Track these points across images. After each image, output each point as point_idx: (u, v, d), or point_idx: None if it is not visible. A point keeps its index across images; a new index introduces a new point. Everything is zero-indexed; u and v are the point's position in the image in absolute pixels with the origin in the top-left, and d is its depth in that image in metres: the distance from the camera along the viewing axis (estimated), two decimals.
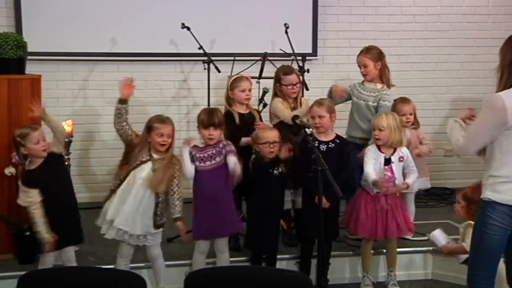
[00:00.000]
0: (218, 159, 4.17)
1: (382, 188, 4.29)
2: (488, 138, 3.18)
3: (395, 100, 4.96)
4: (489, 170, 3.22)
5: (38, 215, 3.92)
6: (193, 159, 4.14)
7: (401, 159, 4.41)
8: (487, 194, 3.21)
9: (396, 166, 4.39)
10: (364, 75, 4.94)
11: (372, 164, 4.36)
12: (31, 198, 3.93)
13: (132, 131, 4.11)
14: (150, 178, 3.98)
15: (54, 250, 3.97)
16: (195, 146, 4.20)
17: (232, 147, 4.20)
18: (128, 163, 4.05)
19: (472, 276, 3.34)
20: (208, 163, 4.15)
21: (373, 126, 4.41)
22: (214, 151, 4.17)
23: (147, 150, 4.03)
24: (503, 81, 3.16)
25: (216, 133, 4.15)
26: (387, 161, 4.37)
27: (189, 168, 4.11)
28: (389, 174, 4.37)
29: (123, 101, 4.13)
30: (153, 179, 3.98)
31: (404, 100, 4.93)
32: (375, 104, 4.84)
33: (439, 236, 3.92)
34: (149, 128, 4.03)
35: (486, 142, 3.21)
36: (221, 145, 4.18)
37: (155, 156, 4.03)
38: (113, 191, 4.04)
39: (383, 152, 4.39)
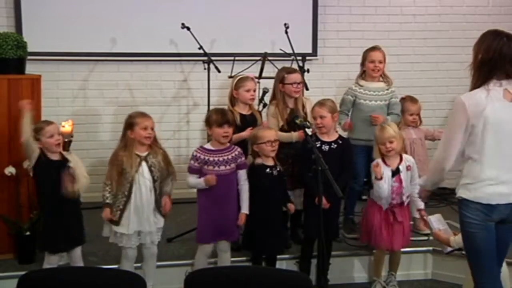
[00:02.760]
0: (233, 165, 4.17)
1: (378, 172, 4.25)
2: (459, 143, 3.19)
3: (403, 98, 4.99)
4: (462, 171, 3.29)
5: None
6: (204, 164, 4.12)
7: (409, 167, 4.36)
8: (460, 193, 3.27)
9: (404, 175, 4.33)
10: (376, 71, 4.90)
11: (386, 182, 4.30)
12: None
13: None
14: (154, 176, 4.04)
15: None
16: (204, 149, 4.18)
17: (244, 159, 4.24)
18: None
19: (474, 274, 3.35)
20: (223, 167, 4.14)
21: (382, 139, 4.29)
22: (230, 157, 4.17)
23: (133, 152, 4.02)
24: (474, 80, 3.21)
25: (230, 131, 4.16)
26: (395, 172, 4.32)
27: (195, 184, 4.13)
28: (397, 184, 4.32)
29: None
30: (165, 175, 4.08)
31: (412, 100, 5.03)
32: (387, 102, 4.86)
33: (434, 221, 3.96)
34: (131, 124, 4.04)
35: (459, 149, 3.20)
36: (237, 152, 4.20)
37: (143, 154, 4.04)
38: (118, 207, 4.03)
39: (388, 166, 4.33)
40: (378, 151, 4.36)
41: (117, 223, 4.04)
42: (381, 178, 4.23)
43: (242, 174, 4.22)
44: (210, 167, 4.12)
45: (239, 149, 4.24)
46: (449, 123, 3.28)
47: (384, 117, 4.78)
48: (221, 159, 4.15)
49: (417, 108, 5.00)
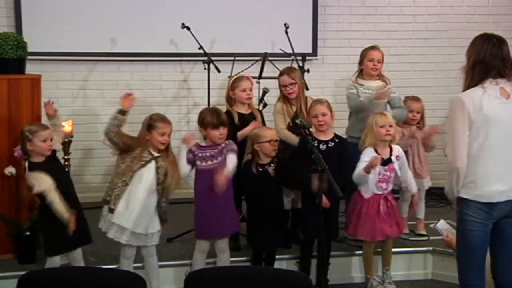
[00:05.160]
0: (219, 158, 4.16)
1: (375, 165, 4.24)
2: (466, 139, 3.22)
3: (406, 97, 5.00)
4: None
5: (55, 197, 3.87)
6: (194, 158, 4.15)
7: (397, 157, 4.42)
8: (461, 192, 3.30)
9: (395, 165, 4.41)
10: (375, 70, 4.87)
11: (365, 164, 4.32)
12: (44, 183, 3.89)
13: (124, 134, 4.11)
14: (159, 178, 4.03)
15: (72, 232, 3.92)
16: (199, 146, 4.19)
17: (234, 146, 4.21)
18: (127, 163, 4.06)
19: (462, 272, 3.39)
20: (209, 162, 4.15)
21: (383, 123, 4.35)
22: (216, 151, 4.17)
23: (147, 149, 4.05)
24: (466, 83, 3.28)
25: (225, 132, 4.16)
26: (387, 161, 4.37)
27: (185, 167, 4.12)
28: (388, 174, 4.37)
29: (123, 112, 4.10)
30: (170, 179, 4.05)
31: (415, 99, 5.05)
32: (386, 100, 4.84)
33: (441, 229, 3.95)
34: (150, 126, 4.04)
35: (467, 146, 3.23)
36: (223, 145, 4.19)
37: (155, 154, 4.06)
38: (118, 195, 4.03)
39: (379, 154, 4.36)
40: (371, 139, 4.37)
41: (113, 210, 4.02)
42: (368, 172, 4.26)
43: (232, 160, 4.14)
44: (198, 162, 4.14)
45: (225, 141, 4.20)
46: (451, 121, 3.30)
47: (389, 91, 4.76)
48: (207, 154, 4.16)
49: (418, 106, 4.99)
